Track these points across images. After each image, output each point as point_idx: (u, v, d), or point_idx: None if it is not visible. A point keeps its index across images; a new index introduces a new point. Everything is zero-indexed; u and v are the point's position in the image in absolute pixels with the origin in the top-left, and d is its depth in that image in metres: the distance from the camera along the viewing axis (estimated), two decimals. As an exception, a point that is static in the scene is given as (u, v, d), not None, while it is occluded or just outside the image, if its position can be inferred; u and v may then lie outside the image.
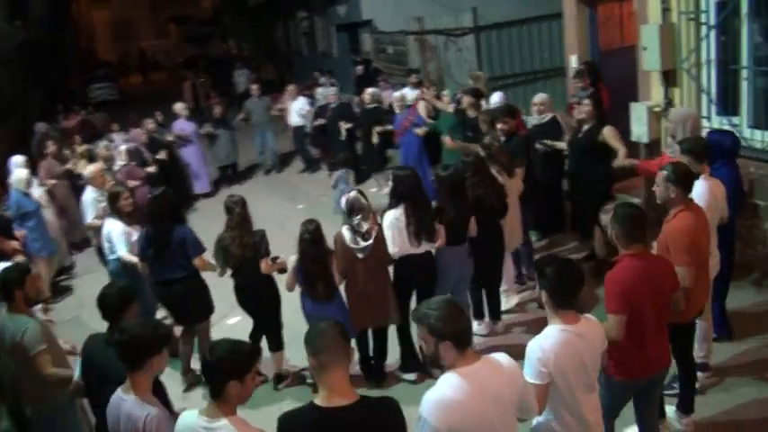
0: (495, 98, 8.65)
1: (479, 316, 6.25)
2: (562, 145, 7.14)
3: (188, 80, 18.48)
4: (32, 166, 9.73)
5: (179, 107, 12.41)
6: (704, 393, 4.89)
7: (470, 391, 2.74)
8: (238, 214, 5.58)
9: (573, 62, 8.75)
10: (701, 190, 4.48)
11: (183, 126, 12.19)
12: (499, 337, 6.18)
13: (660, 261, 3.83)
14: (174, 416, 3.15)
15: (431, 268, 5.58)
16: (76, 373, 4.19)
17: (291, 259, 5.45)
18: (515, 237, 6.37)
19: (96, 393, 3.84)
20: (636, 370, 3.78)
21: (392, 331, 5.75)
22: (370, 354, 5.72)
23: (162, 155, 10.47)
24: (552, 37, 12.47)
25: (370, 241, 5.27)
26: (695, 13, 6.71)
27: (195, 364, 5.99)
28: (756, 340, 5.51)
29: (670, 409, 4.58)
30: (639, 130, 7.54)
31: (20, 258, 6.76)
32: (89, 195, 7.62)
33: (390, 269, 5.60)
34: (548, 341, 3.18)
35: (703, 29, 6.72)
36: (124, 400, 3.17)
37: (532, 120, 7.64)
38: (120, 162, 9.53)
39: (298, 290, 5.53)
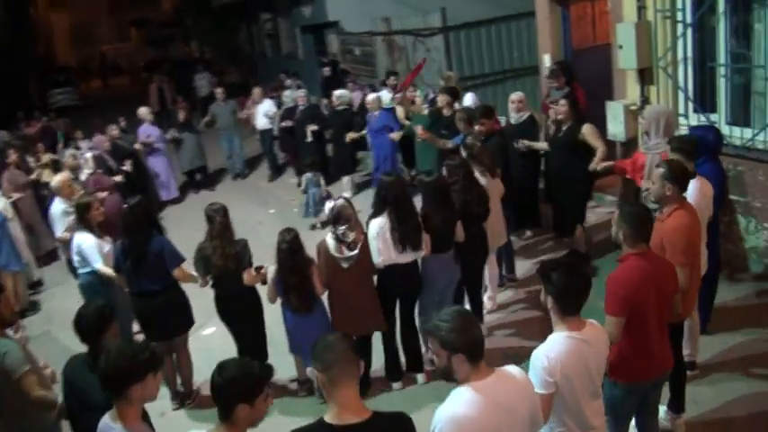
0: (468, 99, 8.61)
1: None
2: (543, 145, 7.10)
3: (154, 83, 18.03)
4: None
5: (143, 112, 12.08)
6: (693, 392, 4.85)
7: (484, 406, 2.65)
8: (219, 223, 5.40)
9: (546, 61, 8.74)
10: (691, 188, 4.45)
11: (148, 131, 11.88)
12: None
13: (664, 261, 3.77)
14: None
15: (416, 278, 5.48)
16: (59, 398, 3.98)
17: (271, 270, 5.31)
18: (498, 238, 6.31)
19: (80, 419, 3.64)
20: (640, 373, 3.73)
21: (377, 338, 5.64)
22: None
23: (127, 166, 10.16)
24: (521, 36, 12.50)
25: (356, 251, 5.13)
26: (671, 11, 6.73)
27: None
28: (741, 335, 5.52)
29: (661, 409, 4.53)
30: (616, 128, 7.56)
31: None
32: (57, 207, 7.33)
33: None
34: (554, 349, 3.10)
35: (679, 27, 6.74)
36: (112, 428, 2.99)
37: (510, 118, 7.58)
38: (87, 170, 9.23)
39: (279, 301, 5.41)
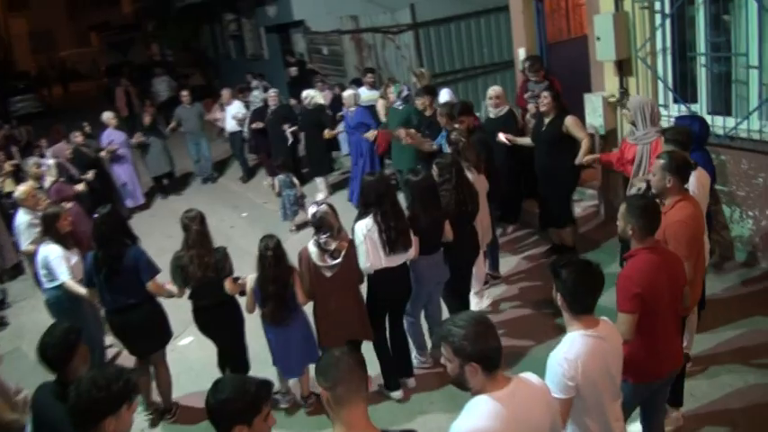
0: (445, 95, 8.51)
1: None
2: (526, 140, 7.00)
3: (120, 87, 17.61)
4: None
5: (107, 116, 11.70)
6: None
7: (505, 418, 2.48)
8: (196, 231, 5.13)
9: (521, 55, 8.66)
10: (690, 180, 4.35)
11: (111, 136, 11.53)
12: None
13: (673, 255, 3.65)
14: None
15: (407, 283, 5.27)
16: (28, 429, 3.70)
17: (250, 279, 5.08)
18: (486, 235, 6.19)
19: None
20: (651, 372, 3.61)
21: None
22: None
23: (90, 174, 9.82)
24: (491, 32, 12.44)
25: (339, 260, 4.91)
26: (649, 2, 6.67)
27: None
28: (732, 327, 5.48)
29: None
30: (595, 121, 7.50)
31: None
32: (22, 218, 6.97)
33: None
34: (572, 350, 2.95)
35: (658, 17, 6.69)
36: None
37: (489, 113, 7.47)
38: (50, 178, 8.86)
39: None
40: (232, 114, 12.48)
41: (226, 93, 12.97)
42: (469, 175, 5.75)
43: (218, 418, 2.54)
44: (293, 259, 5.13)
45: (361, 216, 5.09)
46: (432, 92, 8.16)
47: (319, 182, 10.93)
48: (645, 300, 3.40)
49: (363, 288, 5.28)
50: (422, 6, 12.07)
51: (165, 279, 5.39)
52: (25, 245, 6.95)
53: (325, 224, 4.88)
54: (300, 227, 9.45)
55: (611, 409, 3.07)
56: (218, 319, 5.29)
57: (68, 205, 7.82)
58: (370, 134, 9.28)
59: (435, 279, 5.46)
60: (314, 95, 10.68)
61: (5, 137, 13.83)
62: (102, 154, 10.92)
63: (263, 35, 19.34)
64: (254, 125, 11.65)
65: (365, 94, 10.38)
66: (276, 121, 11.09)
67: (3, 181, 9.63)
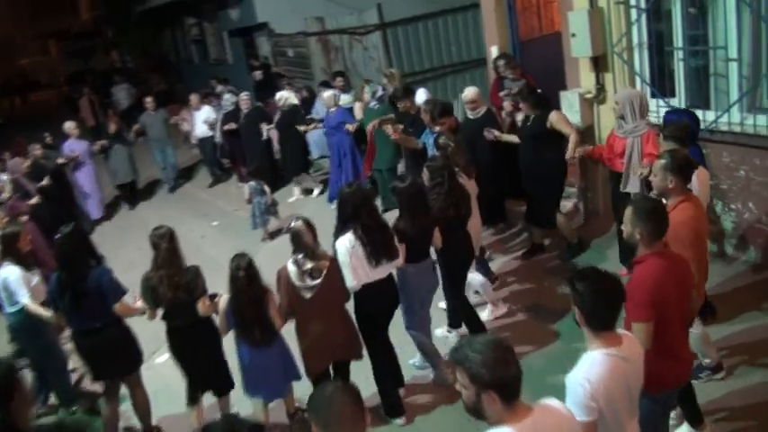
0: (422, 95, 8.38)
1: (457, 325, 5.85)
2: (512, 137, 6.87)
3: (85, 96, 17.18)
4: None
5: (69, 126, 11.38)
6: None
7: None
8: (166, 249, 4.80)
9: (494, 53, 8.52)
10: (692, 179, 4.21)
11: (72, 146, 11.22)
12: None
13: (680, 257, 3.49)
14: None
15: (394, 294, 5.02)
16: None
17: (223, 300, 4.78)
18: (479, 240, 6.01)
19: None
20: (669, 380, 3.45)
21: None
22: None
23: (45, 181, 9.45)
24: (460, 30, 12.34)
25: (319, 280, 4.60)
26: (624, -3, 6.59)
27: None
28: (727, 324, 5.33)
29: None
30: (572, 117, 7.35)
31: None
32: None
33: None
34: (593, 371, 2.74)
35: (633, 12, 6.60)
36: None
37: (468, 114, 7.31)
38: (5, 195, 8.52)
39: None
40: (202, 119, 12.23)
41: (194, 98, 12.73)
42: (459, 179, 5.56)
43: None
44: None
45: (339, 232, 4.80)
46: (411, 93, 8.09)
47: (295, 182, 10.78)
48: (658, 306, 3.24)
49: (349, 305, 4.98)
50: (389, 6, 11.91)
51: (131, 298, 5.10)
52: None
53: (298, 243, 4.59)
54: (274, 234, 9.21)
55: (630, 427, 2.91)
56: (194, 340, 4.97)
57: (24, 218, 7.56)
58: (351, 126, 9.15)
59: (425, 287, 5.24)
60: (288, 96, 10.59)
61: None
62: (60, 161, 10.53)
63: (227, 39, 19.01)
64: (226, 127, 11.39)
65: (345, 98, 10.26)
66: (250, 124, 10.92)
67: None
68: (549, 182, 6.67)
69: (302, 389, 5.04)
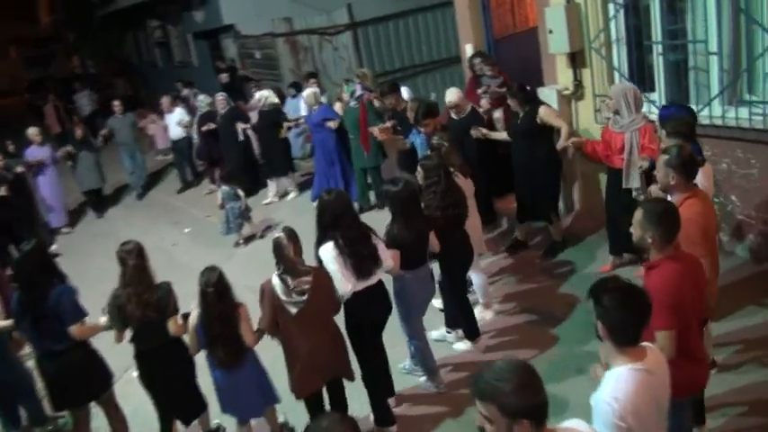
0: (405, 93, 8.29)
1: (456, 325, 5.72)
2: (502, 135, 6.78)
3: (49, 103, 16.74)
4: None
5: (32, 132, 10.99)
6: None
7: None
8: (134, 266, 4.54)
9: (469, 51, 8.43)
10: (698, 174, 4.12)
11: (34, 153, 10.86)
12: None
13: (693, 258, 3.38)
14: None
15: (387, 300, 4.79)
16: None
17: (192, 317, 4.49)
18: (479, 242, 5.89)
19: None
20: (696, 381, 3.37)
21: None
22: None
23: (2, 191, 9.12)
24: (430, 29, 12.31)
25: (304, 297, 4.32)
26: (602, -8, 6.53)
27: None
28: (725, 321, 5.22)
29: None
30: (551, 114, 7.31)
31: None
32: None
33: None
34: (620, 388, 2.57)
35: (611, 7, 6.55)
36: None
37: (452, 114, 7.21)
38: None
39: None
40: (176, 121, 11.98)
41: (165, 100, 12.50)
42: (456, 178, 5.42)
43: None
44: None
45: (320, 241, 4.58)
46: (396, 89, 8.05)
47: (277, 183, 10.59)
48: (678, 312, 3.14)
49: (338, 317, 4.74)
50: (359, 5, 11.79)
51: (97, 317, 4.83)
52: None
53: (280, 256, 4.31)
54: (248, 240, 9.00)
55: None
56: (164, 362, 4.69)
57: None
58: (333, 123, 9.02)
59: (423, 296, 5.08)
60: (268, 95, 10.38)
61: None
62: (19, 169, 10.17)
63: (191, 41, 18.66)
64: (205, 128, 11.13)
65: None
66: (227, 124, 10.72)
67: None
68: (546, 176, 6.61)
69: (286, 402, 4.87)
